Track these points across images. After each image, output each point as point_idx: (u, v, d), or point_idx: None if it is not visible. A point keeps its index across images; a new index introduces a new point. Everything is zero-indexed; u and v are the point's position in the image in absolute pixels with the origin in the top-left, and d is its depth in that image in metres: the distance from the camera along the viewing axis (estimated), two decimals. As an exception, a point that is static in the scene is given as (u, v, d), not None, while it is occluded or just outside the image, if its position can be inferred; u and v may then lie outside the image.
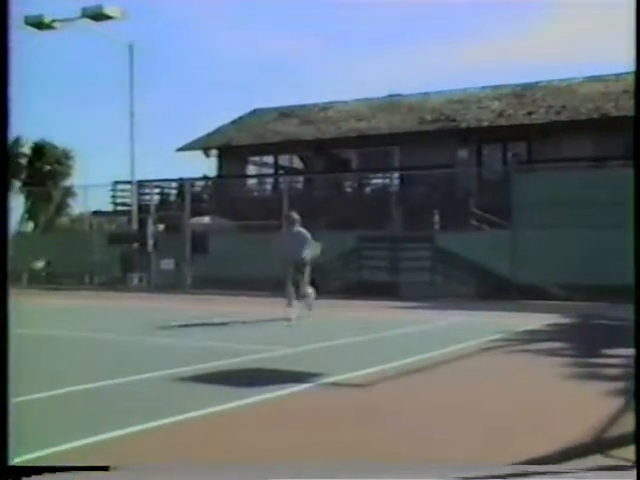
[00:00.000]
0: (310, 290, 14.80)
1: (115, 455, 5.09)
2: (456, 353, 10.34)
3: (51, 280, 28.88)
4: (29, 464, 3.23)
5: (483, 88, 31.26)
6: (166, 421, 6.05)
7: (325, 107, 33.04)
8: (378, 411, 6.72)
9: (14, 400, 6.88)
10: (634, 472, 2.25)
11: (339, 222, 24.18)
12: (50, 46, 68.75)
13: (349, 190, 29.88)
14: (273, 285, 22.62)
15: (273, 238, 16.63)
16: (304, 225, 15.29)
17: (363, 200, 27.40)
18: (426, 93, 31.83)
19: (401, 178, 28.27)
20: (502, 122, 27.72)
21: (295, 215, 15.26)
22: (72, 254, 27.87)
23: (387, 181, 28.89)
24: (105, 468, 2.80)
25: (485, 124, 27.87)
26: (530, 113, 27.78)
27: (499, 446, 5.35)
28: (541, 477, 2.41)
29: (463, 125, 28.17)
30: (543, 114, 27.41)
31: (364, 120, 30.63)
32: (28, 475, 2.32)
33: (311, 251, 14.78)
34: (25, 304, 19.69)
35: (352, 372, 8.53)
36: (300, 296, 14.66)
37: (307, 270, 14.72)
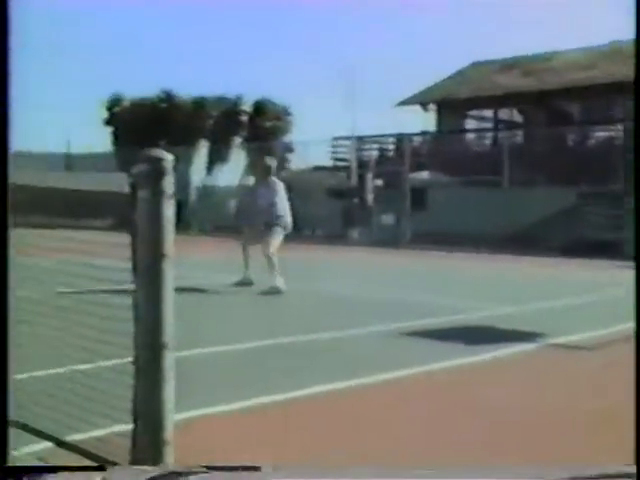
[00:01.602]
0: (272, 252, 11.84)
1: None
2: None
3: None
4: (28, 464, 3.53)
5: None
6: (411, 371, 6.52)
7: (548, 57, 32.01)
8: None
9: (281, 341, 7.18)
10: (634, 471, 2.24)
11: (560, 177, 23.61)
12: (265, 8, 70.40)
13: (571, 144, 29.02)
14: (491, 241, 22.58)
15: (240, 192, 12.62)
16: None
17: (585, 154, 26.51)
18: (654, 38, 30.10)
19: (627, 130, 27.10)
20: None
21: (270, 161, 12.43)
22: (293, 208, 28.72)
23: (612, 134, 27.81)
24: (102, 468, 2.97)
25: None
26: None
27: None
28: (542, 475, 2.43)
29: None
30: None
31: (587, 70, 29.52)
32: (27, 475, 2.50)
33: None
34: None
35: (583, 333, 8.51)
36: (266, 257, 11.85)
37: (279, 231, 12.13)
